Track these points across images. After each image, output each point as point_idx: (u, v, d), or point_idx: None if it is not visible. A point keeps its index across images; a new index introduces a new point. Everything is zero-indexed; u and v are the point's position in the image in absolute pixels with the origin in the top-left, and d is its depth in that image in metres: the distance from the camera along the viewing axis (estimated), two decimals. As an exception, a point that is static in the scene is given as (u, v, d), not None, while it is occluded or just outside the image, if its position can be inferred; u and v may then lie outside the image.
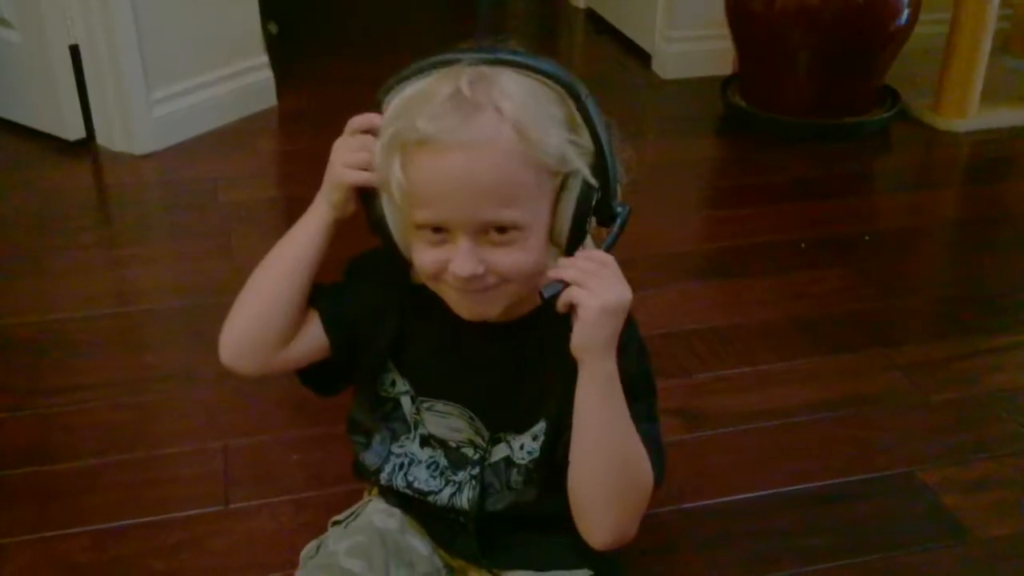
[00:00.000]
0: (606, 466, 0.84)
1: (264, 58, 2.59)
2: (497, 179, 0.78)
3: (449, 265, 0.81)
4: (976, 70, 2.47)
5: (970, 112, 2.51)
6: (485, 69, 0.79)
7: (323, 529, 1.05)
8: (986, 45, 2.45)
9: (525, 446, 0.93)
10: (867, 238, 2.04)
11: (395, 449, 0.98)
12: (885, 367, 1.62)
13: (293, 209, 2.14)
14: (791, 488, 1.36)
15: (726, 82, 2.68)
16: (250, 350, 0.93)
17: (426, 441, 0.97)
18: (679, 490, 1.32)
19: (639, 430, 0.87)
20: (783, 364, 1.62)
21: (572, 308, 0.81)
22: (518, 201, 0.79)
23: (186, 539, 1.25)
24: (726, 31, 2.59)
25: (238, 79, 2.52)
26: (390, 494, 1.02)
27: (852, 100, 2.52)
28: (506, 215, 0.79)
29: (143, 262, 1.95)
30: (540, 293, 0.83)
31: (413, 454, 0.97)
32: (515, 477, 0.94)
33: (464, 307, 0.85)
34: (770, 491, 1.35)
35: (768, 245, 2.01)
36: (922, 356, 1.65)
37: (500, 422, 0.94)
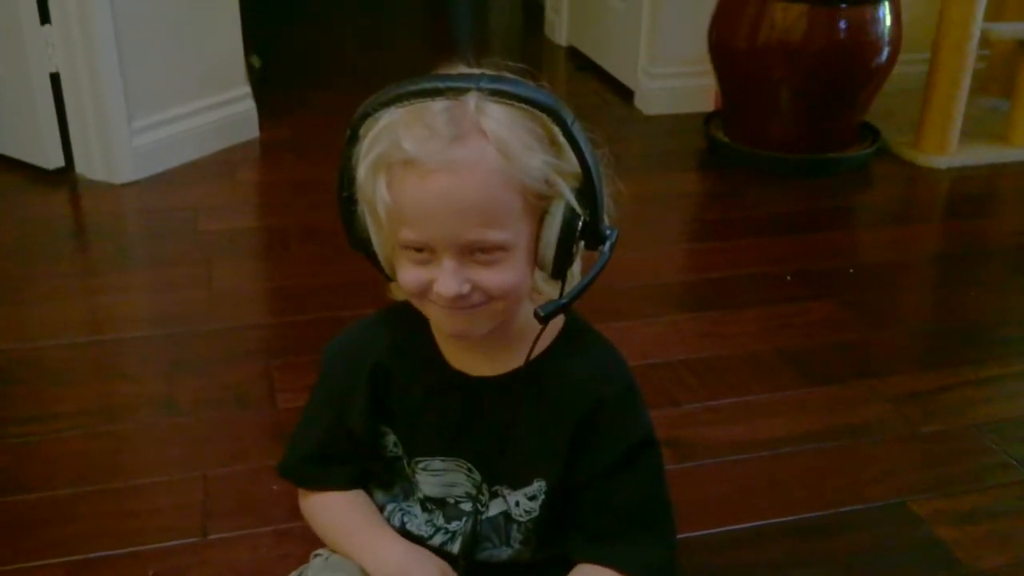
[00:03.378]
0: None
1: (246, 89, 2.58)
2: (482, 200, 0.77)
3: (434, 285, 0.80)
4: (955, 108, 2.50)
5: (950, 149, 2.54)
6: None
7: (304, 560, 1.01)
8: (965, 84, 2.48)
9: (521, 504, 0.91)
10: (851, 271, 2.05)
11: (402, 504, 0.96)
12: (872, 398, 1.61)
13: (273, 239, 2.15)
14: (782, 519, 1.34)
15: (708, 118, 2.70)
16: None
17: (424, 505, 0.95)
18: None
19: (644, 517, 0.90)
20: (770, 395, 1.61)
21: None
22: (502, 222, 0.78)
23: (163, 571, 1.21)
24: (708, 67, 2.61)
25: (220, 109, 2.51)
26: None
27: (833, 136, 2.54)
28: (490, 236, 0.78)
29: (121, 291, 1.92)
30: (536, 312, 0.81)
31: (414, 511, 0.95)
32: (515, 534, 0.92)
33: (449, 325, 0.84)
34: (761, 522, 1.33)
35: (753, 277, 2.01)
36: (909, 387, 1.64)
37: (497, 475, 0.91)
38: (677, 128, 2.76)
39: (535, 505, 0.90)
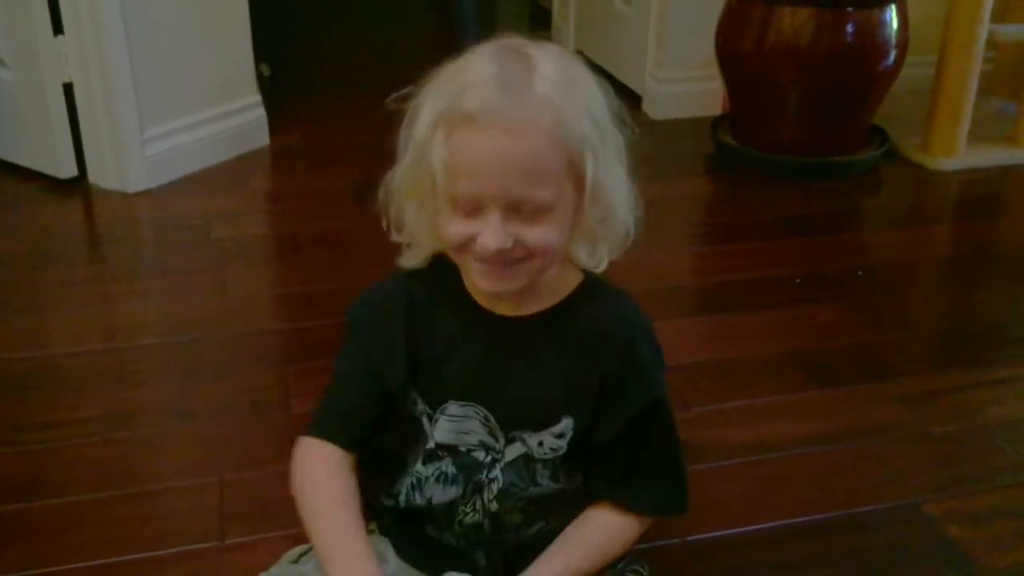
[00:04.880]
0: None
1: (257, 97, 2.60)
2: (533, 160, 0.82)
3: (478, 238, 0.84)
4: (963, 110, 2.51)
5: (958, 151, 2.54)
6: (529, 50, 0.85)
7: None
8: (972, 86, 2.48)
9: (546, 443, 0.94)
10: (860, 273, 2.05)
11: (409, 469, 0.97)
12: (883, 400, 1.62)
13: (285, 246, 2.16)
14: (796, 520, 1.34)
15: (716, 122, 2.71)
16: None
17: (431, 456, 0.96)
18: (683, 523, 1.31)
19: (659, 462, 0.97)
20: (782, 398, 1.62)
21: None
22: (549, 182, 0.83)
23: (184, 575, 1.22)
24: (716, 71, 2.62)
25: (231, 118, 2.53)
26: (393, 532, 1.00)
27: (841, 139, 2.55)
28: (537, 194, 0.83)
29: (135, 298, 1.93)
30: None
31: (419, 472, 0.96)
32: (540, 471, 0.95)
33: (487, 280, 0.88)
34: (775, 523, 1.34)
35: (762, 280, 2.01)
36: (920, 388, 1.65)
37: (516, 420, 0.94)
38: (685, 132, 2.77)
39: (563, 443, 0.94)
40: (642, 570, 1.03)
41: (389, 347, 0.94)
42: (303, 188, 2.39)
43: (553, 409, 0.94)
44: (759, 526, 1.33)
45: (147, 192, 2.34)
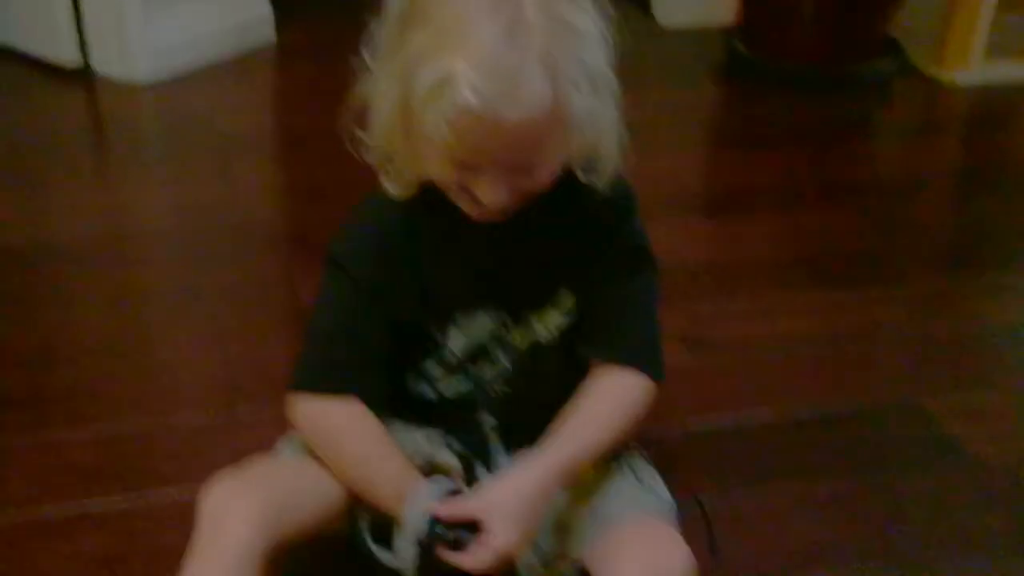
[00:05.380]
0: None
1: (264, -9, 2.56)
2: (535, 141, 0.80)
3: (476, 193, 0.82)
4: (979, 22, 2.46)
5: (972, 64, 2.50)
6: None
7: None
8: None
9: (551, 322, 0.94)
10: (870, 181, 2.04)
11: (422, 366, 0.97)
12: (888, 302, 1.62)
13: (292, 139, 2.14)
14: (794, 411, 1.36)
15: (729, 30, 2.66)
16: None
17: (442, 359, 0.95)
18: (683, 411, 1.33)
19: (638, 319, 0.95)
20: (787, 297, 1.63)
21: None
22: (547, 148, 0.82)
23: (192, 446, 1.24)
24: (730, -23, 2.57)
25: (238, 12, 2.48)
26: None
27: (855, 50, 2.50)
28: (535, 159, 0.82)
29: (141, 185, 1.93)
30: None
31: (430, 372, 0.96)
32: (549, 357, 0.95)
33: (478, 215, 0.85)
34: (773, 414, 1.35)
35: (772, 186, 2.00)
36: (925, 292, 1.66)
37: (520, 302, 0.93)
38: (697, 40, 2.72)
39: (565, 319, 0.94)
40: (643, 453, 1.04)
41: (394, 276, 0.90)
42: (307, 84, 2.36)
43: (551, 283, 0.93)
44: (757, 416, 1.35)
45: (150, 84, 2.30)
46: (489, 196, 0.82)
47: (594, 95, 0.82)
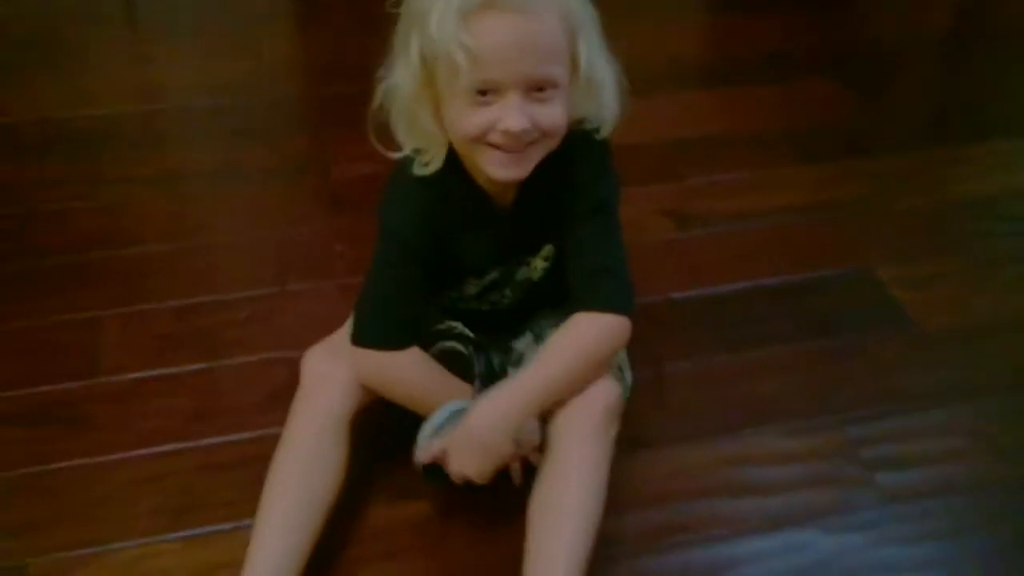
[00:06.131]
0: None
1: None
2: (549, 39, 0.93)
3: (499, 124, 0.94)
4: None
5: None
6: None
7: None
8: None
9: (539, 266, 1.15)
10: (859, 50, 2.17)
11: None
12: (858, 175, 1.80)
13: (318, 6, 2.26)
14: (765, 280, 1.56)
15: None
16: None
17: (456, 294, 1.18)
18: (666, 283, 1.53)
19: (607, 253, 1.08)
20: (768, 171, 1.80)
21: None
22: (560, 59, 0.95)
23: (252, 315, 1.47)
24: None
25: None
26: None
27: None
28: (553, 70, 0.94)
29: (175, 60, 2.09)
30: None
31: (450, 301, 1.19)
32: (539, 289, 1.17)
33: (501, 168, 0.98)
34: (747, 283, 1.56)
35: (767, 54, 2.14)
36: (893, 165, 1.83)
37: (520, 256, 1.14)
38: None
39: (548, 264, 1.14)
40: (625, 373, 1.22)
41: (433, 244, 1.06)
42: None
43: (541, 240, 1.12)
44: (734, 286, 1.55)
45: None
46: (511, 120, 0.93)
47: (590, 23, 0.97)
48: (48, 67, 2.02)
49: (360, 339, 1.09)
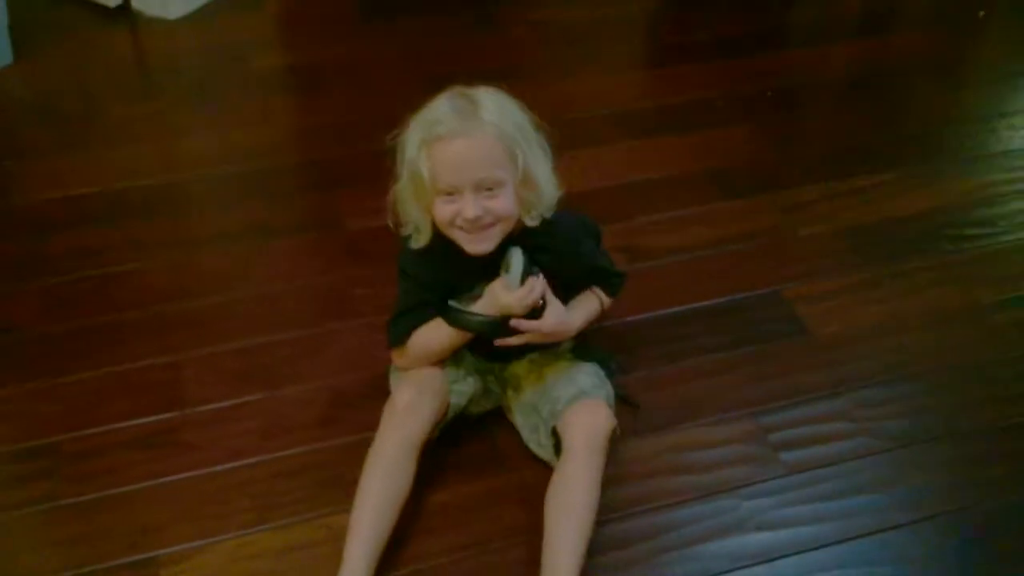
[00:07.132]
0: None
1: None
2: (488, 154, 1.36)
3: (460, 213, 1.36)
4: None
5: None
6: (468, 91, 1.38)
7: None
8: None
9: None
10: (769, 95, 2.60)
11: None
12: (770, 209, 2.22)
13: (317, 76, 2.62)
14: (699, 304, 1.97)
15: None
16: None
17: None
18: (623, 310, 1.93)
19: (602, 264, 1.63)
20: (698, 209, 2.21)
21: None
22: (499, 165, 1.37)
23: (299, 351, 1.85)
24: None
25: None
26: None
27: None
28: (495, 173, 1.37)
29: (198, 131, 2.44)
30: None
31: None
32: None
33: (470, 244, 1.39)
34: (685, 306, 1.97)
35: (692, 103, 2.55)
36: (797, 199, 2.24)
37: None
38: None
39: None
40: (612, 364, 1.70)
41: (432, 283, 1.50)
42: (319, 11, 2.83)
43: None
44: (674, 309, 1.96)
45: (185, 18, 2.76)
46: (468, 211, 1.34)
47: (526, 143, 1.39)
48: (102, 142, 2.36)
49: (393, 344, 1.57)
